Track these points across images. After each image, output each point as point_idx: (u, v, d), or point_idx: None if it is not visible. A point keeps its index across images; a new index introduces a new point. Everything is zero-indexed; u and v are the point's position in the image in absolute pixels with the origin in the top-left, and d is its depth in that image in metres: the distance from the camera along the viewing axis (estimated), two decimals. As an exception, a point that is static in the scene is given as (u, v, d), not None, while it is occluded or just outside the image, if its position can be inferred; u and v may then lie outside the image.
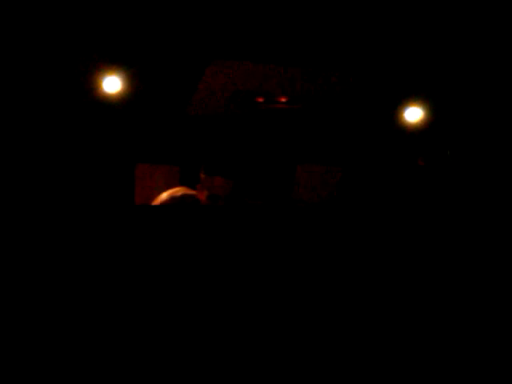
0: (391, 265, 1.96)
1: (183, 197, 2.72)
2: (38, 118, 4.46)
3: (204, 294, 1.95)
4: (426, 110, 5.01)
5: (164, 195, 2.81)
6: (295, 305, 1.95)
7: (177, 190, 2.82)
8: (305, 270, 1.96)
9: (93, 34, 4.36)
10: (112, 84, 4.57)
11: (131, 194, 4.63)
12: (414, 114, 5.07)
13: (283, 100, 4.92)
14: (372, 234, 1.94)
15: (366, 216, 2.00)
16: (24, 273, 1.86)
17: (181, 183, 4.07)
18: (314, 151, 5.05)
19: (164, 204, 2.69)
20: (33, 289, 1.82)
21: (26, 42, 4.29)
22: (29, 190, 4.20)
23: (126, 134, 4.76)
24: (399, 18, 4.44)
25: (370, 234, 1.94)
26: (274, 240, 2.00)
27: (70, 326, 1.89)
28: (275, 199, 4.77)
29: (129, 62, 4.57)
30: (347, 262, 1.96)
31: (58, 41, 4.33)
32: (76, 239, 1.96)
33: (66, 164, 4.46)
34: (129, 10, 4.29)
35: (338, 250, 1.94)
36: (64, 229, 1.98)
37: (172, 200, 2.73)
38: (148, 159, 4.84)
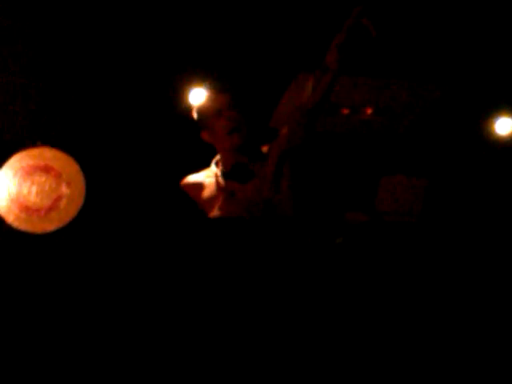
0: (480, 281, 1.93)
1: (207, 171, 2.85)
2: (127, 129, 4.59)
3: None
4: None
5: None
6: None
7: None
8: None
9: (180, 45, 4.44)
10: (198, 95, 4.63)
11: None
12: (505, 126, 4.95)
13: (369, 111, 4.90)
14: (459, 251, 1.92)
15: (452, 232, 1.98)
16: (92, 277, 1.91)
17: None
18: (399, 163, 5.01)
19: (195, 179, 2.79)
20: (98, 292, 1.88)
21: (116, 55, 4.43)
22: (115, 195, 4.34)
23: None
24: (489, 29, 4.38)
25: (456, 250, 1.92)
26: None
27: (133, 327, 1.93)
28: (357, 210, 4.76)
29: (215, 73, 4.62)
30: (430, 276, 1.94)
31: (146, 52, 4.44)
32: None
33: (152, 174, 4.58)
34: (217, 23, 4.36)
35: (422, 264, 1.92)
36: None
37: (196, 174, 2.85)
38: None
